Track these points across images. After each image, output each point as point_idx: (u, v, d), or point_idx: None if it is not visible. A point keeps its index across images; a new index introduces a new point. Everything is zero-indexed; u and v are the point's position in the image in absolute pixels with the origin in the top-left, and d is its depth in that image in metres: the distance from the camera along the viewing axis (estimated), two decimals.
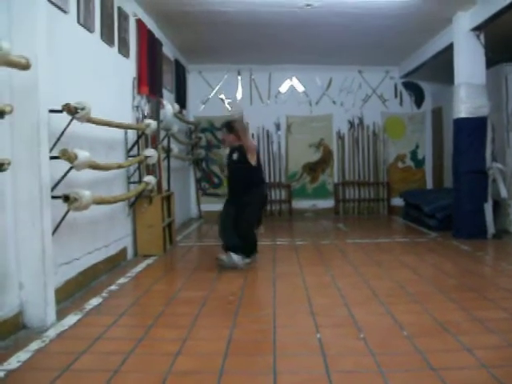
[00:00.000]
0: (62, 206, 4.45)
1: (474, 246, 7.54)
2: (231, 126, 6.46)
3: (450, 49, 8.72)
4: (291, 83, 12.47)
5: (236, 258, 6.16)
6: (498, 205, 8.62)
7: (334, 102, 12.55)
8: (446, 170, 11.31)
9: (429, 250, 7.39)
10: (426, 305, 4.54)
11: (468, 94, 8.20)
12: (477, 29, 8.09)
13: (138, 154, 6.93)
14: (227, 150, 6.78)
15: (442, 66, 10.03)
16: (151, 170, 7.32)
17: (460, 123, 8.31)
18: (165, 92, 9.00)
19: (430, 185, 12.81)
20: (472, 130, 8.18)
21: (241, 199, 6.32)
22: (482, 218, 8.15)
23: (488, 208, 8.16)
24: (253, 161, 6.34)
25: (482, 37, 8.20)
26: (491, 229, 8.17)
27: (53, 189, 4.37)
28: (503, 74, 8.92)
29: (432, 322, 4.08)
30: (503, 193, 8.16)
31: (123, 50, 6.83)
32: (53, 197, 4.30)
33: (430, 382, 2.97)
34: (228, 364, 3.29)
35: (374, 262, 6.60)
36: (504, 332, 3.77)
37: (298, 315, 4.38)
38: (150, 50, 7.78)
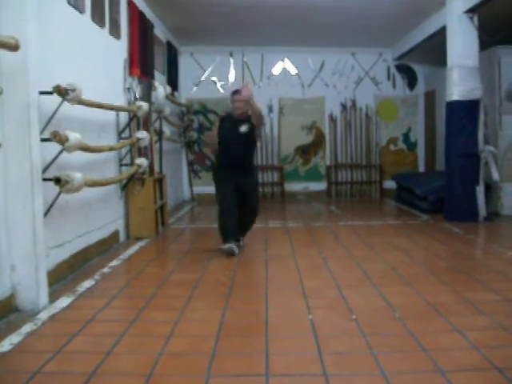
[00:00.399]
0: (53, 189, 4.44)
1: (466, 228, 7.58)
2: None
3: (443, 31, 8.69)
4: (284, 65, 12.41)
5: (235, 248, 5.93)
6: (489, 188, 8.64)
7: (326, 85, 12.51)
8: (439, 153, 11.32)
9: (421, 233, 7.42)
10: (417, 287, 4.56)
11: (461, 76, 8.19)
12: (470, 11, 8.05)
13: (130, 137, 6.90)
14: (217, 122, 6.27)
15: (435, 48, 10.01)
16: (143, 152, 7.29)
17: (453, 106, 8.30)
18: (156, 74, 8.95)
19: (422, 167, 12.84)
20: (464, 113, 8.17)
21: (245, 178, 5.99)
22: (473, 201, 8.18)
23: (480, 191, 8.18)
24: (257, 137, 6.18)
25: (475, 19, 8.17)
26: (483, 211, 8.20)
27: (44, 171, 4.35)
28: (496, 56, 8.90)
29: (423, 304, 4.10)
30: (495, 176, 8.18)
31: (114, 31, 6.76)
32: (44, 179, 4.27)
33: (421, 362, 2.99)
34: (220, 346, 3.29)
35: (366, 244, 6.62)
36: (495, 313, 3.80)
37: (290, 297, 4.39)
38: (141, 31, 7.73)
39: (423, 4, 8.63)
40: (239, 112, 5.95)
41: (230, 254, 5.83)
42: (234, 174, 5.94)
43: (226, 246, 5.85)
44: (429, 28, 9.65)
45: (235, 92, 6.02)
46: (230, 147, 5.96)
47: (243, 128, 5.93)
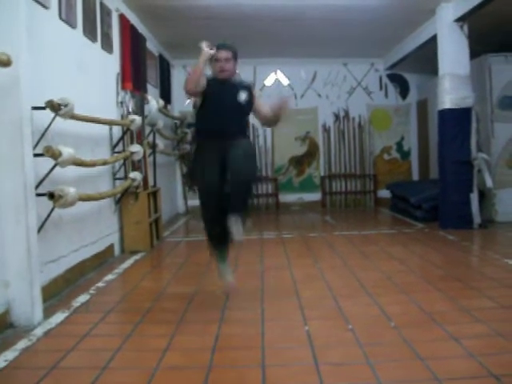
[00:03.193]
0: (47, 204, 4.43)
1: (461, 235, 7.59)
2: (236, 51, 4.77)
3: (433, 40, 8.75)
4: (276, 77, 12.46)
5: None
6: (483, 195, 8.67)
7: (319, 95, 12.56)
8: (432, 161, 11.36)
9: (416, 241, 7.42)
10: (413, 295, 4.56)
11: (452, 84, 8.23)
12: (460, 20, 8.11)
13: (124, 150, 6.90)
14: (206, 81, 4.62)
15: (426, 57, 10.07)
16: (137, 165, 7.29)
17: (445, 114, 8.34)
18: (149, 87, 8.96)
19: (416, 176, 12.86)
20: (457, 121, 8.21)
21: (236, 147, 4.34)
22: (468, 208, 8.20)
23: (474, 198, 8.20)
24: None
25: (465, 28, 8.22)
26: (477, 219, 8.22)
27: (37, 186, 4.34)
28: (487, 64, 8.96)
29: (419, 313, 4.10)
30: (488, 183, 8.21)
31: (106, 45, 6.78)
32: (37, 194, 4.26)
33: (418, 371, 2.99)
34: (216, 358, 3.28)
35: (362, 253, 6.61)
36: (491, 321, 3.79)
37: (286, 308, 4.39)
38: (133, 45, 7.74)
39: (414, 14, 8.69)
40: (226, 75, 4.66)
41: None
42: (220, 147, 4.35)
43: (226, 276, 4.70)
44: (420, 37, 9.71)
45: (220, 47, 4.70)
46: (221, 116, 4.50)
47: (243, 96, 4.60)
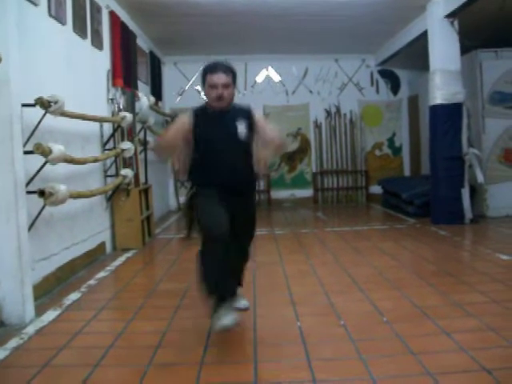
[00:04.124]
0: (37, 202, 4.41)
1: (452, 231, 7.60)
2: (235, 73, 3.90)
3: (424, 36, 8.76)
4: (267, 73, 12.44)
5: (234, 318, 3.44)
6: (474, 190, 8.69)
7: (310, 91, 12.55)
8: (424, 157, 11.38)
9: (407, 236, 7.43)
10: (404, 290, 4.57)
11: (443, 80, 8.24)
12: (451, 16, 8.12)
13: (115, 147, 6.87)
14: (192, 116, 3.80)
15: (417, 53, 10.07)
16: (128, 162, 7.26)
17: (436, 110, 8.35)
18: (140, 84, 8.92)
19: (407, 172, 12.89)
20: (448, 117, 8.22)
21: (244, 205, 3.83)
22: (459, 204, 8.21)
23: (465, 193, 8.22)
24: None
25: (456, 23, 8.23)
26: (468, 214, 8.23)
27: (28, 184, 4.32)
28: (477, 60, 8.96)
29: (411, 308, 4.11)
30: (480, 178, 8.23)
31: (96, 42, 6.75)
32: (28, 192, 4.24)
33: (410, 366, 2.99)
34: (208, 355, 3.28)
35: (353, 249, 6.62)
36: (482, 315, 3.81)
37: (278, 304, 4.38)
38: (123, 42, 7.71)
39: (404, 10, 8.69)
40: (224, 104, 3.74)
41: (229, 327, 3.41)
42: (228, 199, 3.63)
43: (227, 318, 3.35)
44: (411, 33, 9.72)
45: (215, 69, 3.76)
46: (224, 157, 3.71)
47: (240, 127, 3.76)
